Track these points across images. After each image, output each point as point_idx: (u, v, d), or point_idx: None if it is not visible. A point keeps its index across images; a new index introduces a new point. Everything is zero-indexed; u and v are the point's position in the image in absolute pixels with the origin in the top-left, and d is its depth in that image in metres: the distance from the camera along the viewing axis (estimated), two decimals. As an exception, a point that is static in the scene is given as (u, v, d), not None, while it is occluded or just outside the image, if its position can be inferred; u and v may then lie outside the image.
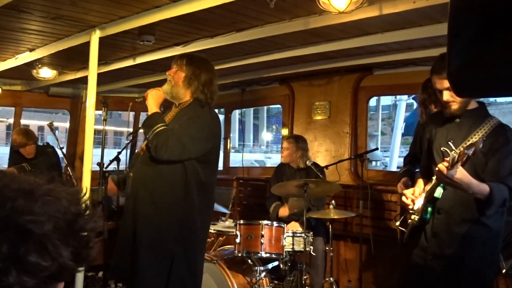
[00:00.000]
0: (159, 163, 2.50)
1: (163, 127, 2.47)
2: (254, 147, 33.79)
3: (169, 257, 2.47)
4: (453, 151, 1.97)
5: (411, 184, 2.51)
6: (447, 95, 2.21)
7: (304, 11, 2.96)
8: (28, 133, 4.63)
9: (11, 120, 5.82)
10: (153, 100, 2.59)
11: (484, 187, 2.03)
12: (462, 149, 1.92)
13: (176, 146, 2.43)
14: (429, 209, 2.24)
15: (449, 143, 2.05)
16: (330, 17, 2.89)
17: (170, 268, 2.46)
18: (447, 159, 1.98)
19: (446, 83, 2.15)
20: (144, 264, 2.47)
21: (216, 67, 4.34)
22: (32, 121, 22.76)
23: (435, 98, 2.56)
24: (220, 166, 6.32)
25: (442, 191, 2.17)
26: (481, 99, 2.39)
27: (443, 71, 2.13)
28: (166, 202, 2.51)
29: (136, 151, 2.77)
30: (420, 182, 2.41)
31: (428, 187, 2.27)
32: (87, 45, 3.33)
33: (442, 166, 1.97)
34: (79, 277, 2.98)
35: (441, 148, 2.14)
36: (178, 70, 2.62)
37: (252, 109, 34.72)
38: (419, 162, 2.59)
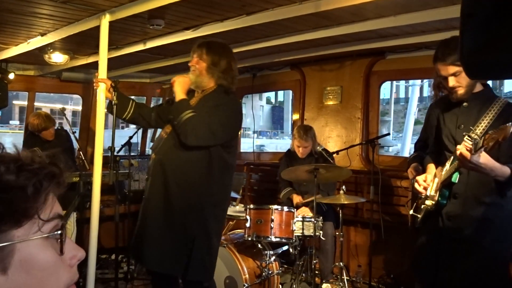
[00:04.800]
0: (185, 148, 2.56)
1: (191, 114, 2.53)
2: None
3: (191, 239, 2.56)
4: (476, 136, 1.94)
5: (422, 169, 2.49)
6: (452, 81, 2.20)
7: (315, -7, 2.91)
8: (48, 117, 4.70)
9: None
10: (180, 86, 2.65)
11: (506, 169, 2.01)
12: (488, 134, 1.86)
13: (205, 133, 2.52)
14: (446, 193, 2.22)
15: (471, 128, 2.02)
16: (341, -1, 2.84)
17: (191, 249, 2.55)
18: (468, 144, 1.95)
19: (450, 69, 2.17)
20: (166, 246, 2.57)
21: (227, 52, 4.35)
22: (42, 104, 23.22)
23: None
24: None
25: (458, 175, 2.15)
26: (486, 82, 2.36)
27: (446, 58, 2.17)
28: (189, 185, 2.59)
29: (160, 133, 2.81)
30: (431, 167, 2.39)
31: (442, 172, 2.24)
32: (97, 29, 3.32)
33: (465, 152, 1.93)
34: (92, 259, 3.02)
35: (464, 134, 2.10)
36: (200, 59, 2.67)
37: (291, 94, 34.94)
38: None
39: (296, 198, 4.20)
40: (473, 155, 1.91)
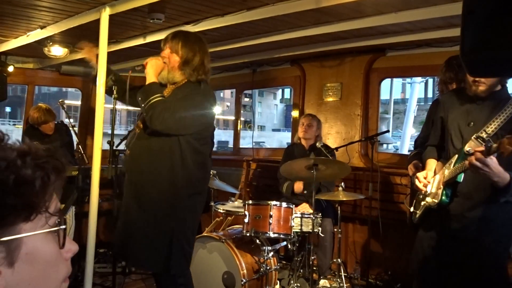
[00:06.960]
0: (156, 136, 2.51)
1: (160, 98, 2.46)
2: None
3: (170, 231, 2.52)
4: (487, 137, 1.93)
5: (422, 166, 2.48)
6: None
7: (316, -11, 2.90)
8: (49, 111, 4.69)
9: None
10: (153, 69, 2.57)
11: (507, 175, 2.01)
12: (505, 139, 1.82)
13: (170, 119, 2.43)
14: (450, 192, 2.21)
15: (483, 127, 2.01)
16: (342, -5, 2.83)
17: (170, 241, 2.51)
18: (473, 147, 1.93)
19: None
20: (146, 240, 2.52)
21: (227, 47, 4.35)
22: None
23: (462, 76, 2.50)
24: (231, 147, 6.35)
25: (463, 175, 2.14)
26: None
27: None
28: (163, 177, 2.53)
29: (133, 129, 2.78)
30: (431, 162, 2.37)
31: (445, 170, 2.23)
32: (97, 23, 3.31)
33: (479, 155, 1.92)
34: (90, 254, 3.02)
35: (476, 135, 2.09)
36: (173, 52, 2.57)
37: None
38: None
39: (298, 186, 4.17)
40: (486, 159, 1.91)
